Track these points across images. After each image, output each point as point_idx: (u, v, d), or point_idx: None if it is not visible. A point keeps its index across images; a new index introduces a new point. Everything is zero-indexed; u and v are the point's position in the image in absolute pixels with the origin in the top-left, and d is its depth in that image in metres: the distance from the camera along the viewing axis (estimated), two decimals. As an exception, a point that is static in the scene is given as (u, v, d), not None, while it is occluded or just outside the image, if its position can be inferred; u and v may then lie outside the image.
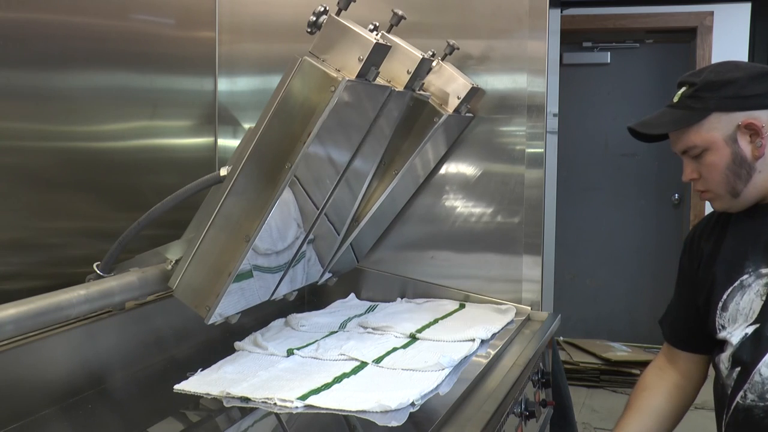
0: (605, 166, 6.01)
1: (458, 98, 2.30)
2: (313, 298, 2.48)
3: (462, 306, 2.45)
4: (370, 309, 2.42)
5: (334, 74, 1.56)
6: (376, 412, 1.50)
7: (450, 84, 2.30)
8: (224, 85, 2.58)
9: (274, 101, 1.58)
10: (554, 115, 3.05)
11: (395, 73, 1.93)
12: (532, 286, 2.45)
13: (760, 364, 1.64)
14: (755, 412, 1.65)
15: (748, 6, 5.34)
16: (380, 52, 1.64)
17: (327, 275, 2.32)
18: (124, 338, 1.76)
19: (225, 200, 1.63)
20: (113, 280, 1.68)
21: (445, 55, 2.34)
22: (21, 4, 1.80)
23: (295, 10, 2.55)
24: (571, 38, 5.61)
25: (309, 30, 1.60)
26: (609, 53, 5.93)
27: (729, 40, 5.42)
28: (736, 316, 1.70)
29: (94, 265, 1.74)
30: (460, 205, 2.51)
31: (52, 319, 1.50)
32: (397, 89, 1.89)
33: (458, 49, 2.35)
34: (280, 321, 2.17)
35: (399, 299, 2.53)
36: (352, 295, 2.55)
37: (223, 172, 1.65)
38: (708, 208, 1.86)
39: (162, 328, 1.87)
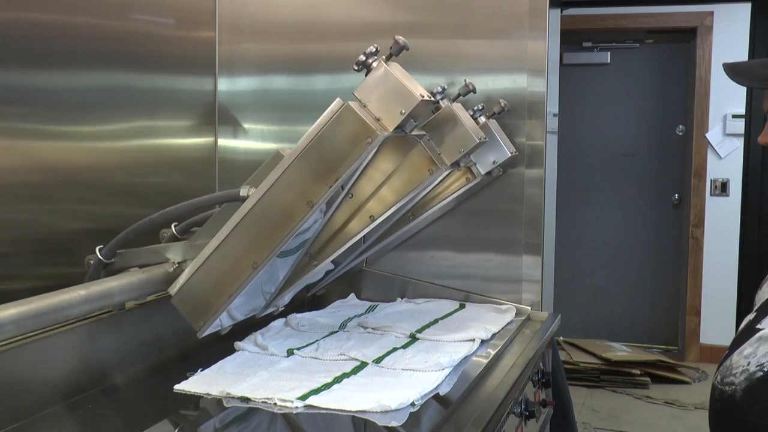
0: (605, 166, 6.01)
1: (494, 162, 2.30)
2: (313, 298, 2.48)
3: (462, 306, 2.45)
4: (370, 309, 2.42)
5: (373, 126, 1.53)
6: (376, 412, 1.50)
7: (492, 149, 2.29)
8: (224, 85, 2.58)
9: (309, 138, 1.56)
10: (554, 115, 3.06)
11: (448, 149, 1.93)
12: (532, 286, 2.45)
13: None
14: None
15: (748, 6, 5.34)
16: (424, 107, 1.61)
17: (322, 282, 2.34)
18: (124, 338, 1.76)
19: (240, 222, 1.62)
20: (113, 281, 1.68)
21: (494, 114, 2.32)
22: (21, 4, 1.80)
23: (295, 10, 2.56)
24: (571, 38, 5.62)
25: (356, 68, 1.57)
26: (609, 53, 5.93)
27: (729, 40, 5.42)
28: None
29: (97, 249, 1.74)
30: (460, 205, 2.51)
31: (52, 319, 1.50)
32: (444, 168, 1.87)
33: (507, 110, 2.34)
34: (280, 321, 2.17)
35: (399, 299, 2.53)
36: (352, 295, 2.55)
37: (244, 192, 1.64)
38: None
39: (162, 328, 1.87)
